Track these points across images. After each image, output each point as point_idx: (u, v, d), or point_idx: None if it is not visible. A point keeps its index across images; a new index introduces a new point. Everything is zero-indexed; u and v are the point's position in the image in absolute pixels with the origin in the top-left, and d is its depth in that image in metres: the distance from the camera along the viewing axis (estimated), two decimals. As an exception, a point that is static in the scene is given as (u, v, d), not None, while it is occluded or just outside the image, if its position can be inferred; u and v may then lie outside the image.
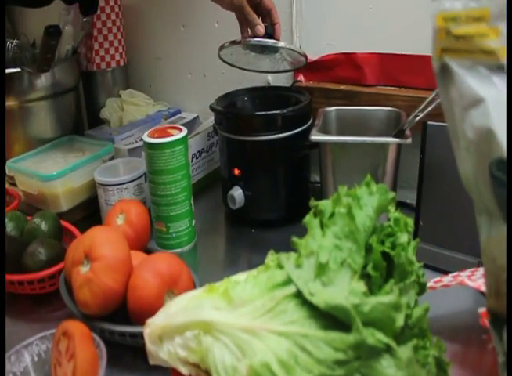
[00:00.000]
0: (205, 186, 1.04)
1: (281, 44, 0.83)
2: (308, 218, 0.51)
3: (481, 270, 0.67)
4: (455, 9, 0.36)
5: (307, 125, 0.88)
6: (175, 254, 0.80)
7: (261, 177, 0.87)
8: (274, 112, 0.82)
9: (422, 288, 0.51)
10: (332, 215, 0.53)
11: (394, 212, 0.54)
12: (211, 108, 0.88)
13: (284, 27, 1.01)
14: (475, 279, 0.64)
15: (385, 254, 0.49)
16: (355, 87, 0.98)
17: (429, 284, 0.64)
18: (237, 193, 0.86)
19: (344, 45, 0.98)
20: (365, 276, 0.48)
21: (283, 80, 1.06)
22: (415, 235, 0.81)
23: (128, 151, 0.94)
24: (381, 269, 0.49)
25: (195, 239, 0.85)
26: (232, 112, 0.86)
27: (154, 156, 0.76)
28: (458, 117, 0.38)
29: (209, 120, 1.06)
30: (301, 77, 1.04)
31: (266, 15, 0.86)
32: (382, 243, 0.52)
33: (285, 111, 0.83)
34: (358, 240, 0.50)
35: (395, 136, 0.75)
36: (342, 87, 0.99)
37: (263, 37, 0.83)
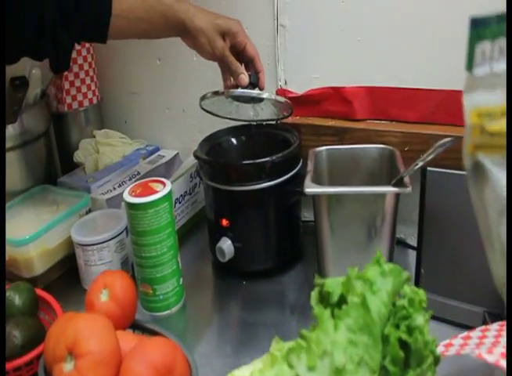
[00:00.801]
0: (190, 229, 0.98)
1: (265, 95, 0.79)
2: (319, 311, 0.46)
3: (492, 329, 0.63)
4: (489, 103, 0.31)
5: (297, 169, 0.83)
6: (163, 317, 0.75)
7: (251, 227, 0.81)
8: (262, 160, 0.77)
9: (437, 361, 0.48)
10: (342, 299, 0.48)
11: (408, 291, 0.50)
12: (195, 156, 0.82)
13: (268, 60, 0.96)
14: (492, 348, 0.59)
15: (401, 340, 0.45)
16: (344, 122, 0.93)
17: (440, 350, 0.60)
18: (226, 245, 0.80)
19: (332, 79, 0.93)
20: (382, 369, 0.45)
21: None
22: (416, 283, 0.76)
23: (106, 202, 0.87)
24: (399, 363, 0.46)
25: (183, 298, 0.79)
26: (218, 162, 0.80)
27: (137, 216, 0.70)
28: (493, 220, 0.34)
29: (190, 158, 1.00)
30: (287, 112, 0.98)
31: (249, 62, 0.82)
32: (397, 327, 0.47)
33: (274, 158, 0.77)
34: (374, 332, 0.46)
35: (394, 185, 0.70)
36: (331, 122, 0.94)
37: (247, 86, 0.79)
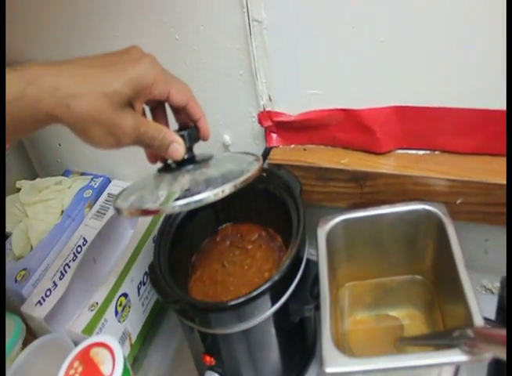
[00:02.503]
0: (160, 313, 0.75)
1: (221, 190, 0.44)
2: None
3: None
4: None
5: (301, 272, 0.56)
6: None
7: (245, 363, 0.57)
8: (257, 292, 0.50)
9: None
10: None
11: None
12: (151, 276, 0.55)
13: (240, 69, 0.64)
14: None
15: None
16: (364, 160, 0.64)
17: None
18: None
19: (339, 95, 0.63)
20: None
21: (246, 143, 0.71)
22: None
23: (45, 321, 0.62)
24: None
25: None
26: (195, 306, 0.53)
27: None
28: None
29: None
30: (274, 141, 0.69)
31: (181, 111, 0.51)
32: None
33: (268, 285, 0.51)
34: None
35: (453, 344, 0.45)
36: (344, 160, 0.65)
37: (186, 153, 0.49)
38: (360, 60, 0.58)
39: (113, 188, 0.79)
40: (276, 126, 0.67)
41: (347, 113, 0.62)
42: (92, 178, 0.82)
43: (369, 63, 0.58)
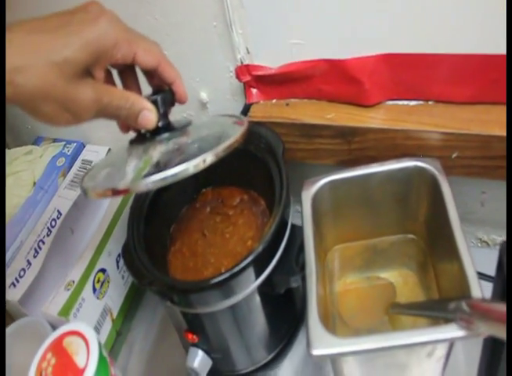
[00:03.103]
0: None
1: (202, 160, 0.38)
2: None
3: None
4: None
5: (285, 242, 0.52)
6: None
7: (230, 337, 0.55)
8: (240, 267, 0.47)
9: None
10: None
11: None
12: (124, 258, 0.51)
13: (214, 20, 0.58)
14: None
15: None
16: (352, 114, 0.59)
17: None
18: (197, 361, 0.55)
19: (323, 45, 0.57)
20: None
21: (225, 100, 0.66)
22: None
23: (20, 303, 0.59)
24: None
25: None
26: (174, 287, 0.49)
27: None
28: None
29: None
30: (254, 97, 0.64)
31: (152, 73, 0.45)
32: None
33: (251, 258, 0.47)
34: None
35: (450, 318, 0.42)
36: (331, 115, 0.60)
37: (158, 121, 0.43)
38: (344, 5, 0.53)
39: (88, 154, 0.74)
40: (256, 80, 0.62)
41: (332, 64, 0.57)
42: (65, 145, 0.77)
43: (354, 7, 0.53)
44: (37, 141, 0.81)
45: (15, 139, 0.86)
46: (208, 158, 0.38)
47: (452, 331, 0.40)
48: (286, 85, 0.61)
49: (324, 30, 0.55)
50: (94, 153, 0.74)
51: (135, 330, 0.68)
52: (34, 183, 0.71)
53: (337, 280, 0.61)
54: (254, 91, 0.63)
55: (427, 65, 0.54)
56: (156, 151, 0.42)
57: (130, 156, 0.43)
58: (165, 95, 0.44)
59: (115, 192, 0.39)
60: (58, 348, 0.46)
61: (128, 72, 0.45)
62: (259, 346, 0.57)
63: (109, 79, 0.43)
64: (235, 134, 0.41)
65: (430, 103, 0.58)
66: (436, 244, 0.56)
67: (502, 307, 0.36)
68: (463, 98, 0.56)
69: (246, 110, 0.63)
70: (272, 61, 0.60)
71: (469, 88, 0.55)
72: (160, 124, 0.43)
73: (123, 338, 0.67)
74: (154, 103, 0.42)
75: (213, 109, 0.67)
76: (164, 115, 0.43)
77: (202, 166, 0.38)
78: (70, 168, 0.73)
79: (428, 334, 0.41)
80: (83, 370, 0.44)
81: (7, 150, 0.75)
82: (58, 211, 0.67)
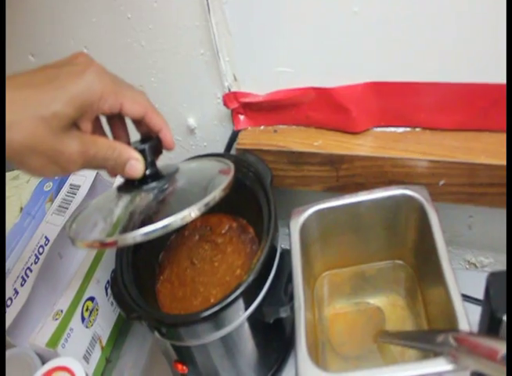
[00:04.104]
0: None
1: (189, 213, 0.38)
2: None
3: None
4: None
5: (274, 270, 0.52)
6: None
7: (221, 367, 0.54)
8: (230, 299, 0.46)
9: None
10: None
11: None
12: (112, 290, 0.51)
13: (201, 48, 0.58)
14: None
15: None
16: (339, 141, 0.60)
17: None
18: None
19: (310, 73, 0.57)
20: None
21: (213, 126, 0.66)
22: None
23: (7, 334, 0.58)
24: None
25: None
26: (163, 321, 0.49)
27: None
28: None
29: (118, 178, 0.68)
30: (242, 123, 0.64)
31: (139, 122, 0.45)
32: None
33: (241, 289, 0.47)
34: None
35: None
36: (318, 142, 0.60)
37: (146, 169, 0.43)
38: (331, 33, 0.53)
39: (76, 178, 0.74)
40: (243, 107, 0.62)
41: (320, 92, 0.58)
42: (52, 168, 0.76)
43: (341, 37, 0.53)
44: (24, 165, 0.80)
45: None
46: (194, 212, 0.39)
47: (440, 365, 0.40)
48: (274, 112, 0.62)
49: (311, 59, 0.56)
50: (81, 178, 0.73)
51: (125, 357, 0.67)
52: (21, 209, 0.71)
53: (326, 306, 0.61)
54: (242, 117, 0.63)
55: (414, 93, 0.55)
56: (144, 201, 0.42)
57: (117, 205, 0.43)
58: (152, 143, 0.43)
59: (102, 244, 0.39)
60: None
61: (116, 119, 0.45)
62: (249, 374, 0.57)
63: (97, 127, 0.43)
64: (221, 183, 0.41)
65: (417, 129, 0.58)
66: (424, 269, 0.56)
67: (488, 342, 0.36)
68: (450, 125, 0.56)
69: (234, 137, 0.63)
70: (259, 88, 0.60)
71: (456, 115, 0.55)
72: (147, 172, 0.43)
73: (112, 365, 0.66)
74: (142, 152, 0.42)
75: (201, 134, 0.68)
76: (151, 163, 0.43)
77: (189, 219, 0.38)
78: (58, 192, 0.72)
79: (416, 368, 0.41)
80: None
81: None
82: (46, 238, 0.67)
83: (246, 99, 0.61)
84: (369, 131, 0.60)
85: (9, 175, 0.74)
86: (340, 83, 0.56)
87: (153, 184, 0.43)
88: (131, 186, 0.43)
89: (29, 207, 0.70)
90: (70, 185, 0.73)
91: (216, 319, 0.47)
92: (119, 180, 0.62)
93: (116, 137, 0.45)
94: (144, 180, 0.43)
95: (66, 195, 0.71)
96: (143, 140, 0.44)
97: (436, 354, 0.41)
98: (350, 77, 0.55)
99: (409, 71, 0.53)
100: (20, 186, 0.72)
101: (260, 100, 0.60)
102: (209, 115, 0.65)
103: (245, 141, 0.62)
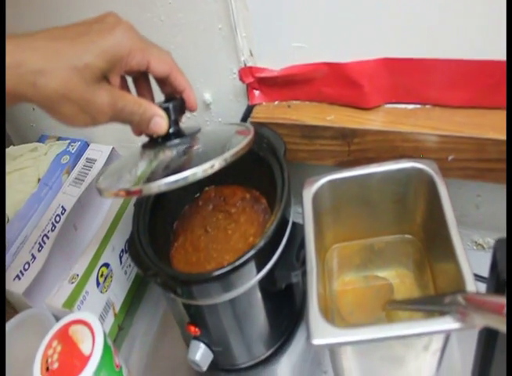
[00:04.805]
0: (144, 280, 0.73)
1: (210, 165, 0.41)
2: None
3: None
4: None
5: (286, 238, 0.54)
6: None
7: (231, 331, 0.56)
8: (242, 260, 0.48)
9: None
10: None
11: None
12: (130, 250, 0.53)
13: (219, 23, 0.60)
14: None
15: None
16: (351, 116, 0.61)
17: None
18: (200, 354, 0.56)
19: (324, 48, 0.59)
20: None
21: (228, 101, 0.67)
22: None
23: (24, 296, 0.60)
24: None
25: None
26: (177, 278, 0.50)
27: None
28: None
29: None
30: (257, 98, 0.65)
31: (164, 81, 0.47)
32: None
33: (253, 252, 0.48)
34: None
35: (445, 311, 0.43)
36: (331, 117, 0.61)
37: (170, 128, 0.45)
38: (345, 9, 0.54)
39: (92, 152, 0.76)
40: (259, 82, 0.64)
41: (333, 67, 0.59)
42: (69, 143, 0.78)
43: (355, 13, 0.55)
44: (41, 139, 0.82)
45: (19, 136, 0.87)
46: (216, 164, 0.41)
47: (448, 323, 0.41)
48: (288, 88, 0.63)
49: (326, 34, 0.57)
50: (98, 152, 0.75)
51: (137, 325, 0.69)
52: (39, 180, 0.73)
53: (335, 278, 0.62)
54: (257, 92, 0.65)
55: (424, 70, 0.56)
56: (167, 156, 0.44)
57: (142, 159, 0.45)
58: (176, 103, 0.46)
59: (128, 193, 0.41)
60: (64, 336, 0.47)
61: (141, 80, 0.47)
62: (259, 341, 0.59)
63: (124, 86, 0.45)
64: (242, 142, 0.43)
65: (427, 106, 0.59)
66: (433, 244, 0.57)
67: (496, 299, 0.38)
68: (459, 102, 0.57)
69: (249, 112, 0.65)
70: (274, 63, 0.61)
71: (465, 92, 0.56)
72: (171, 130, 0.45)
73: (125, 333, 0.68)
74: (166, 110, 0.44)
75: (216, 110, 0.69)
76: (174, 122, 0.46)
77: (210, 171, 0.40)
78: (75, 165, 0.75)
79: (425, 325, 0.42)
80: (88, 358, 0.45)
81: (12, 147, 0.76)
82: (62, 207, 0.68)
83: (262, 74, 0.62)
84: (381, 107, 0.61)
85: (27, 146, 0.76)
86: (353, 59, 0.57)
87: (176, 141, 0.45)
88: (154, 143, 0.45)
89: (46, 178, 0.72)
90: (87, 158, 0.75)
91: (228, 279, 0.48)
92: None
93: (141, 97, 0.47)
94: (167, 137, 0.45)
95: (83, 168, 0.73)
96: (167, 100, 0.46)
97: (443, 315, 0.42)
98: (363, 53, 0.57)
99: (420, 48, 0.54)
100: (38, 158, 0.74)
101: (275, 75, 0.62)
102: (224, 90, 0.66)
103: (259, 115, 0.64)
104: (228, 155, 0.41)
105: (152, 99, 0.48)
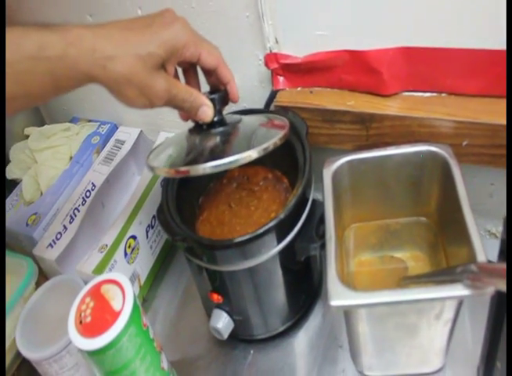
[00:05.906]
0: (168, 256, 0.77)
1: (249, 154, 0.46)
2: None
3: None
4: None
5: (306, 212, 0.57)
6: None
7: (252, 300, 0.59)
8: (263, 229, 0.51)
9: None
10: None
11: None
12: (159, 217, 0.56)
13: (247, 11, 0.63)
14: None
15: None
16: (370, 102, 0.64)
17: None
18: (221, 322, 0.59)
19: (346, 37, 0.62)
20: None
21: (253, 87, 0.71)
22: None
23: (56, 262, 0.64)
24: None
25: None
26: (202, 243, 0.54)
27: (96, 361, 0.49)
28: None
29: (160, 136, 0.74)
30: (281, 84, 0.68)
31: (211, 73, 0.53)
32: None
33: (274, 223, 0.51)
34: None
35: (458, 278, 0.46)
36: (351, 102, 0.64)
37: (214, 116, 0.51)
38: (367, 0, 0.57)
39: (121, 134, 0.79)
40: (283, 68, 0.67)
41: (353, 55, 0.62)
42: (100, 125, 0.82)
43: (376, 4, 0.57)
44: (73, 120, 0.86)
45: (51, 118, 0.91)
46: (254, 154, 0.46)
47: (460, 289, 0.43)
48: (311, 74, 0.66)
49: (348, 23, 0.60)
50: (126, 134, 0.79)
51: (160, 297, 0.72)
52: (71, 157, 0.77)
53: (352, 258, 0.65)
54: (281, 78, 0.68)
55: (441, 59, 0.59)
56: (211, 142, 0.50)
57: (188, 142, 0.51)
58: (221, 94, 0.51)
59: (177, 172, 0.46)
60: (96, 293, 0.50)
61: (191, 71, 0.53)
62: (277, 314, 0.62)
63: (176, 76, 0.51)
64: (278, 134, 0.49)
65: (443, 95, 0.62)
66: (447, 227, 0.59)
67: (503, 265, 0.40)
68: (474, 91, 0.60)
69: (272, 97, 0.68)
70: (298, 51, 0.64)
71: (479, 81, 0.59)
72: (215, 119, 0.50)
73: (148, 304, 0.71)
74: (212, 100, 0.50)
75: (241, 95, 0.71)
76: (219, 112, 0.51)
77: (249, 159, 0.46)
78: (104, 146, 0.78)
79: (438, 291, 0.44)
80: (119, 313, 0.48)
81: (46, 126, 0.80)
82: (92, 184, 0.72)
83: (286, 61, 0.65)
84: (398, 94, 0.63)
85: (60, 125, 0.80)
86: (373, 47, 0.60)
87: (220, 129, 0.50)
88: (200, 129, 0.51)
89: (78, 157, 0.76)
90: (116, 140, 0.78)
91: (249, 247, 0.52)
92: (161, 139, 0.69)
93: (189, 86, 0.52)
94: (212, 125, 0.50)
95: (112, 148, 0.77)
96: (213, 91, 0.51)
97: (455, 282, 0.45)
98: (382, 42, 0.59)
99: (437, 37, 0.57)
100: (71, 137, 0.77)
101: (298, 62, 0.65)
102: (250, 76, 0.70)
103: (283, 99, 0.67)
104: (266, 145, 0.47)
105: (199, 89, 0.53)
